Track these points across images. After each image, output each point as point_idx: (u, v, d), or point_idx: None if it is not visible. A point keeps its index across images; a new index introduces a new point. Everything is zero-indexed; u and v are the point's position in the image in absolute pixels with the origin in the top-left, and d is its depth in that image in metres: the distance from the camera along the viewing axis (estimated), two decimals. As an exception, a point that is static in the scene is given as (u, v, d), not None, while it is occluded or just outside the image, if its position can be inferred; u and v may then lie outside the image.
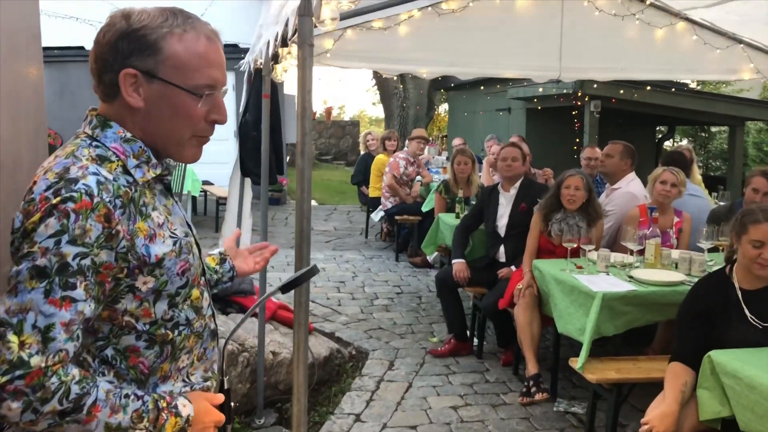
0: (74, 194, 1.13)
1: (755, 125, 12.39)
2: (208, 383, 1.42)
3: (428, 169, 8.82)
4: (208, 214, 10.45)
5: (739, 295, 2.69)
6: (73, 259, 1.11)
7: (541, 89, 8.59)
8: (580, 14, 5.50)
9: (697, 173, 6.20)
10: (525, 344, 4.03)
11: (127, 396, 1.18)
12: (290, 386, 4.22)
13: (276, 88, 4.61)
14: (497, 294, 4.44)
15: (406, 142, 8.72)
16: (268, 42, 2.97)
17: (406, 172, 8.11)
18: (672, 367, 2.67)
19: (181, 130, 1.30)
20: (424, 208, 7.55)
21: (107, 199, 1.16)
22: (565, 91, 8.34)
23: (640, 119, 10.13)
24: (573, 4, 5.45)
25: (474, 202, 5.63)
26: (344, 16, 4.42)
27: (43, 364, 1.08)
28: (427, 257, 7.15)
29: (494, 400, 4.07)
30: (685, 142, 13.61)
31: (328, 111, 22.16)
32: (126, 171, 1.25)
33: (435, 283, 5.20)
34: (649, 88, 8.02)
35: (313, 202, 13.10)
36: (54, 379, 1.09)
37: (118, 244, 1.18)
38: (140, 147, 1.29)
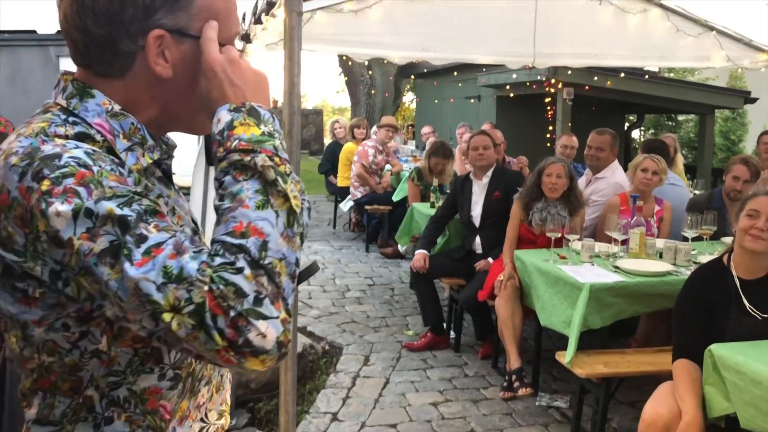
0: (65, 170, 0.84)
1: (721, 113, 12.54)
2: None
3: (398, 157, 8.66)
4: (169, 204, 10.12)
5: (738, 285, 2.59)
6: (121, 209, 0.83)
7: (515, 76, 8.49)
8: (555, -1, 5.39)
9: (680, 164, 6.17)
10: (507, 337, 3.91)
11: (220, 198, 0.88)
12: (262, 384, 4.03)
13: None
14: (476, 286, 4.31)
15: (374, 129, 8.53)
16: (244, 15, 2.76)
17: (375, 161, 7.93)
18: (680, 366, 2.55)
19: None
20: (395, 198, 7.40)
21: (108, 168, 0.87)
22: (538, 77, 8.25)
23: (611, 107, 10.12)
24: (548, -12, 5.33)
25: (448, 191, 5.49)
26: (314, -3, 4.22)
27: (205, 287, 0.80)
28: (399, 247, 7.01)
29: (475, 395, 3.94)
30: (652, 131, 13.73)
31: (292, 99, 21.84)
32: (113, 154, 0.94)
33: (410, 275, 5.06)
34: (622, 75, 7.99)
35: (278, 192, 12.82)
36: (215, 285, 0.81)
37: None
38: (132, 124, 0.98)
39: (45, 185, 0.84)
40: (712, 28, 5.96)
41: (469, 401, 3.86)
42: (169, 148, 1.07)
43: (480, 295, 4.21)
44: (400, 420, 3.63)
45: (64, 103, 0.97)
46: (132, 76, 0.98)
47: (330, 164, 8.97)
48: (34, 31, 10.93)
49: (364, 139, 8.39)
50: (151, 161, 1.00)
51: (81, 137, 0.93)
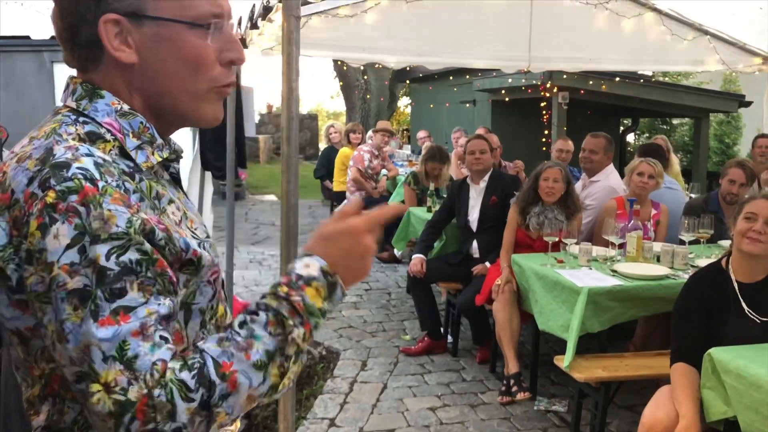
0: (70, 183, 0.84)
1: (716, 117, 12.57)
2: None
3: (393, 162, 8.66)
4: (165, 210, 10.08)
5: (736, 288, 2.59)
6: (107, 259, 0.83)
7: (510, 80, 8.49)
8: (550, 4, 5.40)
9: (675, 165, 6.17)
10: (505, 342, 3.90)
11: (242, 324, 0.89)
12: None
13: (238, 77, 4.39)
14: (473, 290, 4.30)
15: (369, 134, 8.53)
16: (239, 19, 2.75)
17: (371, 166, 7.92)
18: (678, 369, 2.55)
19: (194, 81, 0.98)
20: (391, 202, 7.39)
21: (114, 184, 0.87)
22: (534, 82, 8.26)
23: (606, 111, 10.14)
24: (543, -7, 5.34)
25: (445, 195, 5.48)
26: (309, 1, 4.22)
27: (144, 390, 0.81)
28: (395, 252, 7.00)
29: (473, 400, 3.93)
30: (647, 135, 13.76)
31: (287, 104, 21.80)
32: (124, 154, 0.95)
33: (407, 279, 5.04)
34: (618, 79, 8.00)
35: (273, 197, 12.82)
36: (158, 392, 0.81)
37: (153, 234, 0.88)
38: (141, 123, 0.98)
39: (50, 197, 0.84)
40: (706, 32, 5.98)
41: (467, 406, 3.85)
42: (177, 150, 1.06)
43: (477, 299, 4.20)
44: (398, 425, 3.61)
45: (74, 105, 0.97)
46: (104, 69, 0.97)
47: (326, 169, 8.95)
48: (27, 37, 10.89)
49: (359, 144, 8.38)
50: (160, 159, 1.00)
51: (92, 136, 0.93)
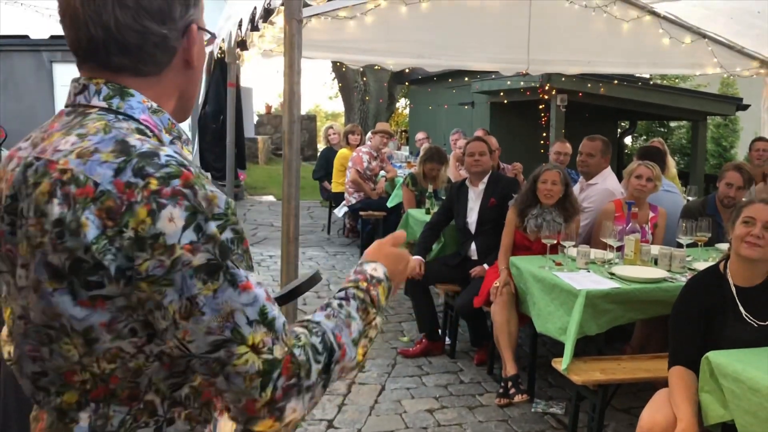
0: (169, 169, 0.88)
1: (713, 120, 12.61)
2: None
3: (392, 163, 8.67)
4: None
5: (734, 292, 2.60)
6: (222, 233, 0.89)
7: (509, 82, 8.51)
8: (549, 6, 5.43)
9: (672, 168, 6.19)
10: (503, 344, 3.90)
11: (341, 305, 1.06)
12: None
13: (238, 78, 4.40)
14: (472, 292, 4.31)
15: (368, 135, 8.54)
16: (240, 21, 2.75)
17: (370, 167, 7.93)
18: (676, 373, 2.55)
19: (199, 81, 1.14)
20: (390, 204, 7.40)
21: (196, 172, 0.92)
22: (532, 84, 8.28)
23: (604, 114, 10.16)
24: (542, -5, 5.37)
25: (443, 197, 5.49)
26: (308, 3, 4.22)
27: (285, 348, 0.92)
28: (394, 253, 6.99)
29: (470, 402, 3.94)
30: (644, 137, 13.80)
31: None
32: None
33: (405, 281, 5.04)
34: (616, 82, 8.02)
35: (271, 198, 12.81)
36: (298, 351, 0.93)
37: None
38: (169, 119, 1.03)
39: (153, 184, 0.87)
40: (704, 36, 6.02)
41: (464, 408, 3.86)
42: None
43: (476, 301, 4.20)
44: (396, 427, 3.61)
45: (103, 104, 0.98)
46: (168, 71, 1.04)
47: (324, 170, 8.96)
48: (27, 36, 10.87)
49: (358, 145, 8.39)
50: (190, 153, 1.09)
51: (140, 132, 0.96)
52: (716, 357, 2.38)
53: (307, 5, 1.95)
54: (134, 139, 0.91)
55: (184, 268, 0.86)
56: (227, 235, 0.90)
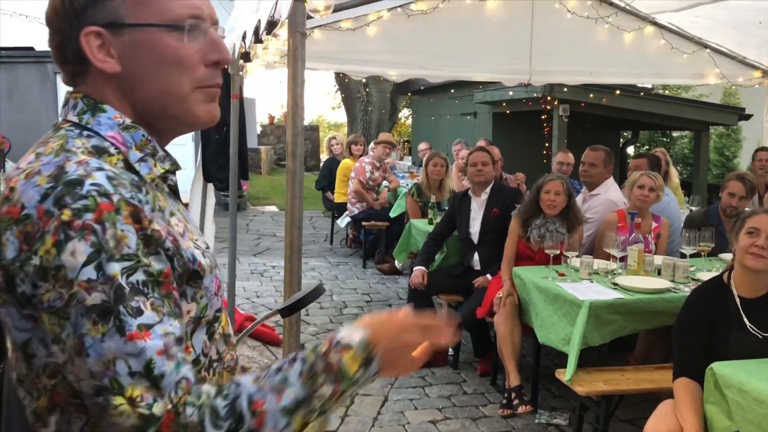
0: (86, 201, 0.86)
1: (716, 130, 12.62)
2: None
3: (394, 173, 8.68)
4: (166, 220, 10.08)
5: (738, 304, 2.59)
6: (122, 277, 0.86)
7: (511, 93, 8.53)
8: (551, 17, 5.44)
9: (675, 177, 6.19)
10: (506, 355, 3.90)
11: (279, 369, 0.94)
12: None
13: (241, 89, 4.42)
14: (474, 303, 4.30)
15: (371, 146, 8.56)
16: (244, 33, 2.76)
17: (373, 177, 7.94)
18: (681, 385, 2.54)
19: (178, 83, 1.01)
20: (392, 214, 7.41)
21: (128, 195, 0.89)
22: (534, 94, 8.29)
23: (606, 124, 10.17)
24: (544, 7, 5.38)
25: (447, 207, 5.50)
26: (311, 15, 4.25)
27: (169, 406, 0.85)
28: (396, 263, 7.00)
29: (474, 413, 3.92)
30: (647, 147, 13.81)
31: (287, 116, 21.84)
32: (128, 167, 0.97)
33: (407, 291, 5.04)
34: (618, 92, 8.04)
35: (274, 208, 12.82)
36: (190, 411, 0.85)
37: (163, 246, 0.92)
38: (143, 136, 1.00)
39: (66, 215, 0.85)
40: (706, 46, 6.02)
41: (468, 419, 3.84)
42: (176, 162, 1.08)
43: (479, 311, 4.20)
44: (400, 438, 3.60)
45: (75, 119, 0.99)
46: (92, 81, 1.00)
47: (327, 180, 8.99)
48: (32, 48, 10.94)
49: (361, 156, 8.41)
50: (163, 170, 1.03)
51: (98, 150, 0.95)
52: (720, 368, 2.37)
53: (309, 17, 1.97)
54: (72, 164, 0.90)
55: (78, 305, 0.84)
56: (137, 277, 0.87)
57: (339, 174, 8.44)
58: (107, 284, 0.85)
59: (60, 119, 1.02)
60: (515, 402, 3.78)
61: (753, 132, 10.56)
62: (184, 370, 0.88)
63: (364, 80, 13.56)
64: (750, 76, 6.40)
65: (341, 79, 14.67)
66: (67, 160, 0.91)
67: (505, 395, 3.88)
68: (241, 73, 3.83)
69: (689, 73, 6.41)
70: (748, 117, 9.76)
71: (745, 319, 2.57)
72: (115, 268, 0.86)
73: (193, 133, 11.08)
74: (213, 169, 4.66)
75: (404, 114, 22.16)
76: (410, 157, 13.46)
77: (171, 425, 0.84)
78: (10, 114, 10.03)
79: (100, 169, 0.90)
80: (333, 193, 8.66)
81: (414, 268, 4.79)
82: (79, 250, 0.84)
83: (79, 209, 0.86)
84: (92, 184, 0.88)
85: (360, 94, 15.06)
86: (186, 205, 6.63)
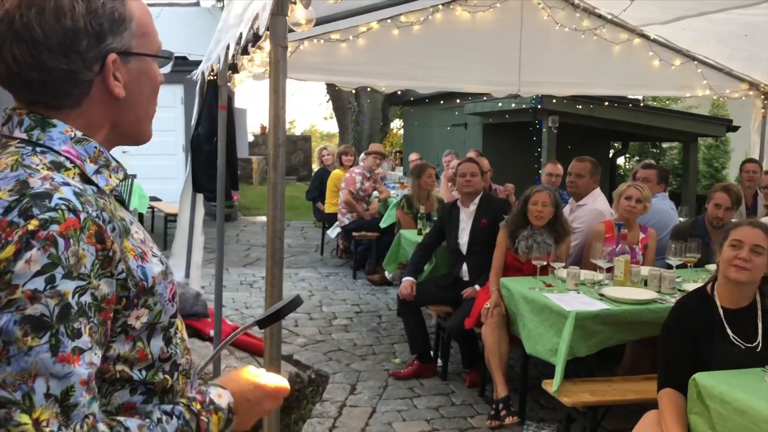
0: (54, 213, 0.85)
1: (705, 141, 12.71)
2: None
3: (385, 184, 8.70)
4: (155, 231, 10.07)
5: (722, 315, 2.61)
6: (73, 296, 0.85)
7: (500, 104, 8.57)
8: (540, 29, 5.49)
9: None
10: (494, 365, 3.90)
11: (159, 420, 0.95)
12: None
13: (231, 100, 4.42)
14: (463, 314, 4.30)
15: (362, 156, 8.58)
16: (228, 46, 2.77)
17: (363, 188, 7.95)
18: (666, 396, 2.55)
19: (153, 106, 1.10)
20: (383, 224, 7.41)
21: (94, 214, 0.89)
22: (524, 106, 8.34)
23: (596, 135, 10.24)
24: (532, 19, 5.44)
25: (435, 218, 5.51)
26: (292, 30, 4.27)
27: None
28: (386, 274, 7.00)
29: (462, 424, 3.92)
30: (637, 158, 13.89)
31: (280, 126, 21.85)
32: (85, 180, 0.97)
33: (396, 302, 5.04)
34: (606, 103, 8.09)
35: (265, 219, 12.81)
36: None
37: (116, 270, 0.92)
38: (95, 148, 1.01)
39: (32, 224, 0.85)
40: (693, 58, 6.08)
41: (456, 430, 3.84)
42: (126, 173, 1.09)
43: (467, 322, 4.20)
44: (387, 450, 3.59)
45: (24, 135, 0.98)
46: (89, 103, 1.01)
47: (318, 191, 8.99)
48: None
49: (351, 166, 8.43)
50: (118, 180, 1.04)
51: (55, 165, 0.95)
52: (703, 378, 2.38)
53: (291, 31, 1.98)
54: (36, 179, 0.90)
55: (16, 312, 0.82)
56: (85, 299, 0.87)
57: (329, 184, 8.45)
58: (54, 299, 0.84)
59: (2, 135, 1.00)
60: (503, 413, 3.77)
61: (741, 143, 10.66)
62: (95, 406, 0.87)
63: (353, 91, 13.60)
64: (737, 88, 6.46)
65: (333, 89, 14.71)
66: (29, 175, 0.90)
67: (493, 406, 3.88)
68: (229, 84, 3.84)
69: (677, 85, 6.47)
70: (735, 129, 9.85)
71: (729, 330, 2.58)
72: (68, 285, 0.85)
73: (183, 143, 11.08)
74: (203, 180, 4.65)
75: (396, 125, 22.23)
76: (402, 168, 13.49)
77: None
78: None
79: (66, 184, 0.90)
80: (324, 203, 8.66)
81: (403, 279, 4.79)
82: (35, 258, 0.84)
83: (46, 220, 0.85)
84: (61, 198, 0.88)
85: (351, 104, 15.10)
86: (174, 216, 6.61)
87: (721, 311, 2.62)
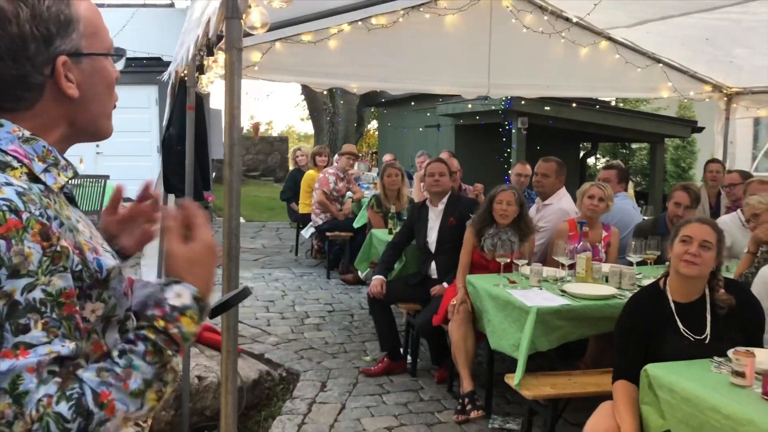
0: None
1: (672, 142, 12.96)
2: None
3: (359, 185, 8.75)
4: (129, 232, 10.01)
5: (673, 308, 2.71)
6: (21, 294, 0.88)
7: (470, 105, 8.67)
8: (508, 32, 5.58)
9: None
10: (460, 361, 3.98)
11: (122, 353, 0.96)
12: (217, 411, 4.01)
13: (202, 100, 4.45)
14: (431, 311, 4.38)
15: (336, 157, 8.63)
16: (189, 48, 2.82)
17: (336, 188, 8.01)
18: (620, 387, 2.65)
19: (109, 103, 1.12)
20: (356, 224, 7.47)
21: (37, 213, 0.92)
22: (493, 107, 8.45)
23: (566, 135, 10.40)
24: (501, 21, 5.53)
25: (406, 218, 5.58)
26: (273, 27, 4.32)
27: (28, 426, 0.85)
28: (359, 274, 7.06)
29: (429, 419, 3.99)
30: (607, 158, 14.12)
31: (256, 127, 21.82)
32: (33, 179, 0.99)
33: (367, 300, 5.11)
34: (574, 105, 8.23)
35: (241, 219, 12.80)
36: (36, 425, 0.86)
37: (71, 263, 0.95)
38: (44, 147, 1.03)
39: None
40: (659, 61, 6.23)
41: (423, 425, 3.91)
42: (75, 169, 1.12)
43: (434, 319, 4.28)
44: (355, 445, 3.65)
45: None
46: (43, 104, 1.04)
47: (292, 191, 9.02)
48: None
49: (325, 167, 8.47)
50: (66, 179, 1.06)
51: (1, 165, 0.97)
52: (654, 369, 2.48)
53: (248, 35, 2.02)
54: None
55: None
56: (35, 295, 0.89)
57: (303, 185, 8.48)
58: (2, 299, 0.87)
59: None
60: (468, 407, 3.86)
61: (707, 144, 10.89)
62: (47, 386, 0.88)
63: (325, 92, 13.64)
64: (701, 90, 6.63)
65: (307, 91, 14.73)
66: None
67: (459, 401, 3.96)
68: (198, 85, 3.88)
69: (643, 87, 6.61)
70: (700, 129, 10.07)
71: (679, 323, 2.68)
72: (15, 284, 0.88)
73: (157, 144, 11.03)
74: (174, 180, 4.67)
75: (373, 126, 22.30)
76: (377, 169, 13.56)
77: None
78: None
79: (8, 184, 0.93)
80: (298, 204, 8.69)
81: (373, 277, 4.86)
82: None
83: None
84: (2, 199, 0.90)
85: (326, 105, 15.14)
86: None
87: (672, 305, 2.72)
